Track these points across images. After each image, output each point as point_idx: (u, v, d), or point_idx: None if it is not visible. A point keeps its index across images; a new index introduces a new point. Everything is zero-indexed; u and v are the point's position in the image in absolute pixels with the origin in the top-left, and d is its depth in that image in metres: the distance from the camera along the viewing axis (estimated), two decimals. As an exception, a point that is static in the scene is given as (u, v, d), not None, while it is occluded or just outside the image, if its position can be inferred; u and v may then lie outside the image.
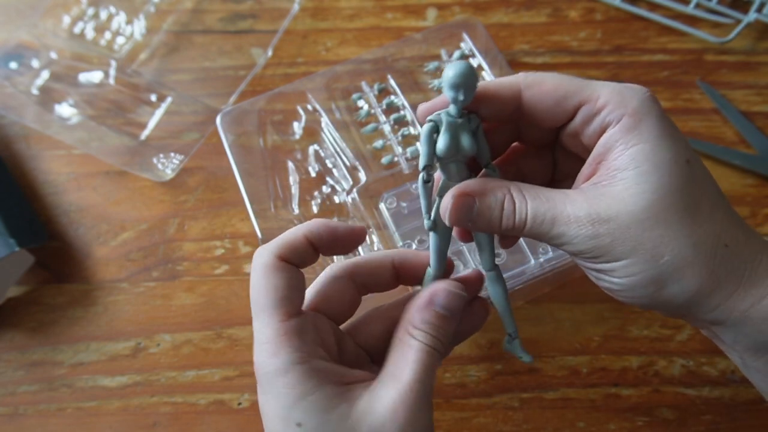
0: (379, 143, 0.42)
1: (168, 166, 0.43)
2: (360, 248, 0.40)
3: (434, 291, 0.27)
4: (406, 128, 0.43)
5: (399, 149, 0.42)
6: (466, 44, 0.45)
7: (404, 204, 0.40)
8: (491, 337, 0.39)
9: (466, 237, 0.29)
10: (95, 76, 0.47)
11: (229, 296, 0.41)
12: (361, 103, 0.44)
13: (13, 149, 0.46)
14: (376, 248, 0.40)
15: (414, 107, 0.43)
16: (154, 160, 0.44)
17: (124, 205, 0.44)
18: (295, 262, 0.28)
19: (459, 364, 0.38)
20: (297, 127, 0.44)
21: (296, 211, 0.41)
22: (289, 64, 0.47)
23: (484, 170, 0.28)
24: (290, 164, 0.42)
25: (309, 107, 0.44)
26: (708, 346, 0.38)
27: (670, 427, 0.36)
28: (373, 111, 0.43)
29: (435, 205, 0.27)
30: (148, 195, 0.44)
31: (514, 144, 0.30)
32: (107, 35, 0.49)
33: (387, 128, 0.42)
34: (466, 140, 0.26)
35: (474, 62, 0.44)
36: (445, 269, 0.29)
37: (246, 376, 0.39)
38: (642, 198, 0.24)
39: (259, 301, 0.26)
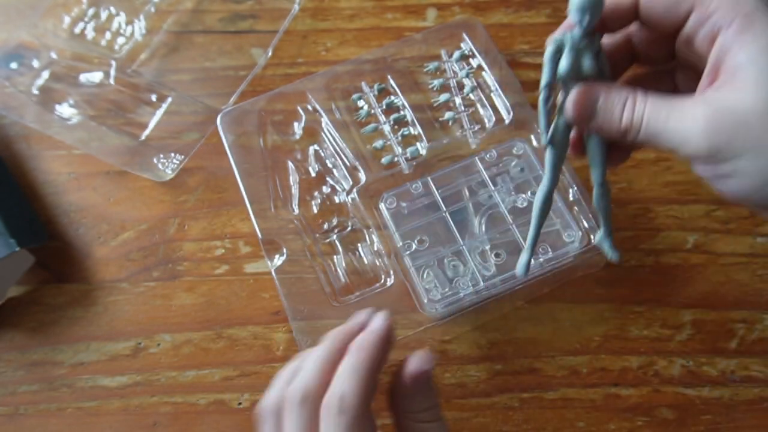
0: (379, 143, 0.42)
1: (168, 166, 0.43)
2: (361, 250, 0.40)
3: (409, 371, 0.29)
4: (406, 128, 0.43)
5: (399, 149, 0.42)
6: (466, 44, 0.45)
7: (404, 204, 0.40)
8: (491, 337, 0.39)
9: (581, 150, 0.30)
10: (95, 76, 0.47)
11: (229, 296, 0.41)
12: (361, 103, 0.44)
13: (14, 149, 0.46)
14: (375, 248, 0.40)
15: (414, 107, 0.43)
16: (155, 160, 0.44)
17: (124, 205, 0.44)
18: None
19: (459, 364, 0.38)
20: (297, 127, 0.44)
21: (296, 211, 0.41)
22: (289, 64, 0.48)
23: None
24: (290, 164, 0.42)
25: (309, 107, 0.44)
26: (708, 346, 0.38)
27: (669, 427, 0.36)
28: (373, 111, 0.43)
29: (553, 123, 0.28)
30: (148, 195, 0.44)
31: (634, 67, 0.30)
32: (107, 35, 0.49)
33: (387, 128, 0.43)
34: (587, 62, 0.27)
35: (474, 62, 0.44)
36: (556, 184, 0.30)
37: (246, 376, 0.39)
38: (762, 91, 0.23)
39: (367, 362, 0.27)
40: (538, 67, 0.46)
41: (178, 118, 0.46)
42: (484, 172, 0.41)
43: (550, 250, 0.38)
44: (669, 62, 0.29)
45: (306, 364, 0.29)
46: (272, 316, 0.40)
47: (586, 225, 0.39)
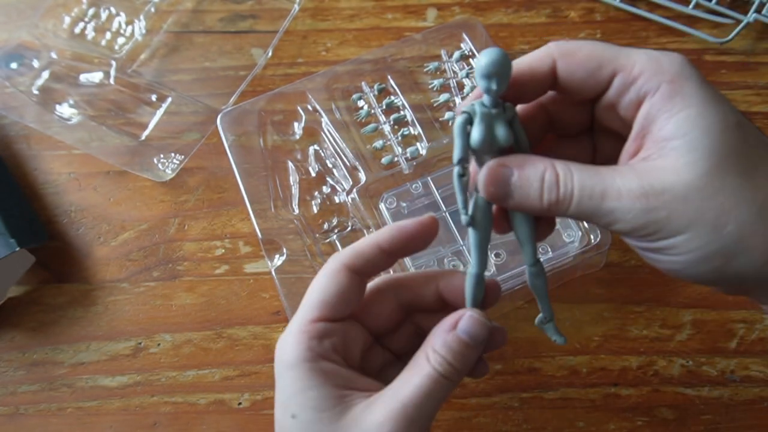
0: (379, 143, 0.42)
1: (168, 166, 0.43)
2: None
3: (459, 315, 0.26)
4: (406, 128, 0.43)
5: (399, 149, 0.42)
6: (466, 44, 0.45)
7: (404, 204, 0.40)
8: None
9: (505, 228, 0.27)
10: (95, 76, 0.47)
11: (229, 296, 0.41)
12: (361, 103, 0.44)
13: (14, 149, 0.46)
14: None
15: (414, 107, 0.43)
16: (155, 160, 0.44)
17: (124, 205, 0.44)
18: (365, 271, 0.28)
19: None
20: (297, 127, 0.44)
21: (296, 211, 0.41)
22: (289, 64, 0.48)
23: None
24: (290, 164, 0.43)
25: (309, 107, 0.44)
26: (708, 345, 0.38)
27: (669, 427, 0.36)
28: (373, 111, 0.43)
29: (472, 200, 0.26)
30: (148, 195, 0.44)
31: (549, 135, 0.29)
32: (107, 35, 0.49)
33: (387, 128, 0.43)
34: (501, 131, 0.25)
35: (474, 63, 0.44)
36: (486, 266, 0.28)
37: (246, 376, 0.39)
38: (697, 166, 0.22)
39: (304, 299, 0.27)
40: (538, 67, 0.47)
41: (178, 118, 0.46)
42: None
43: (550, 250, 0.38)
44: (587, 127, 0.28)
45: None
46: (272, 316, 0.40)
47: (585, 225, 0.39)
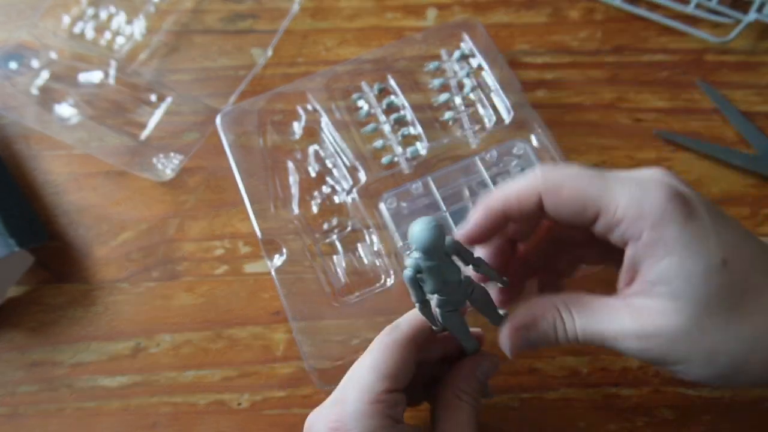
0: (379, 143, 0.42)
1: (168, 166, 0.43)
2: (361, 250, 0.40)
3: (478, 362, 0.31)
4: (406, 128, 0.43)
5: (399, 149, 0.42)
6: (466, 44, 0.45)
7: (404, 204, 0.40)
8: (491, 337, 0.39)
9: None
10: (95, 76, 0.47)
11: (229, 296, 0.41)
12: (361, 103, 0.44)
13: (13, 149, 0.46)
14: (375, 248, 0.40)
15: (414, 107, 0.43)
16: (154, 160, 0.44)
17: (124, 205, 0.44)
18: (422, 345, 0.30)
19: None
20: (297, 127, 0.44)
21: (296, 211, 0.41)
22: (289, 64, 0.48)
23: (472, 268, 0.29)
24: (290, 164, 0.43)
25: (309, 107, 0.44)
26: (708, 346, 0.38)
27: (670, 427, 0.36)
28: (373, 111, 0.43)
29: (438, 316, 0.29)
30: (148, 195, 0.44)
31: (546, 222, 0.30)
32: (107, 35, 0.49)
33: (387, 128, 0.43)
34: (450, 273, 0.27)
35: (474, 62, 0.44)
36: (479, 344, 0.32)
37: (246, 377, 0.39)
38: (683, 312, 0.24)
39: (375, 364, 0.28)
40: (539, 67, 0.47)
41: (178, 118, 0.46)
42: (485, 172, 0.41)
43: None
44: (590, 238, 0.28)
45: None
46: (272, 316, 0.40)
47: None
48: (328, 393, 0.30)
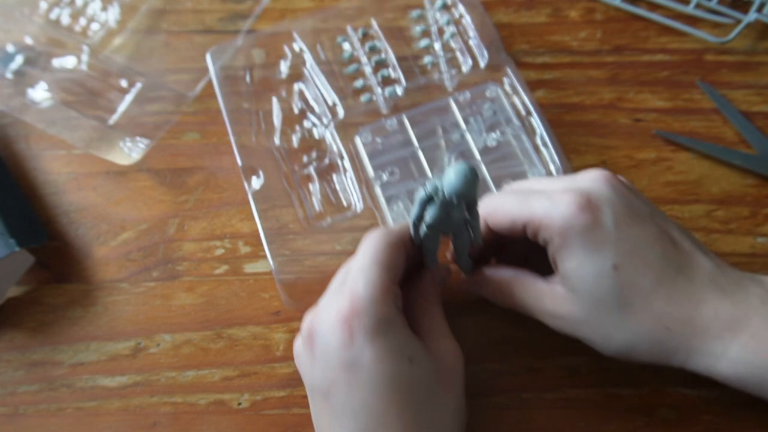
0: (359, 83, 0.45)
1: (133, 150, 0.44)
2: (336, 180, 0.42)
3: (436, 272, 0.35)
4: (386, 70, 0.45)
5: (378, 90, 0.44)
6: None
7: (379, 139, 0.43)
8: (491, 337, 0.39)
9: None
10: (69, 61, 0.48)
11: (229, 296, 0.41)
12: (345, 46, 0.46)
13: (13, 149, 0.46)
14: (348, 177, 0.42)
15: (395, 51, 0.46)
16: (120, 144, 0.44)
17: (124, 205, 0.44)
18: (407, 251, 0.33)
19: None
20: (283, 66, 0.46)
21: (277, 142, 0.43)
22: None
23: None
24: (275, 100, 0.45)
25: (296, 47, 0.46)
26: (708, 346, 0.38)
27: (670, 427, 0.36)
28: (356, 53, 0.46)
29: (421, 233, 0.32)
30: (148, 195, 0.44)
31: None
32: (82, 21, 0.50)
33: (368, 70, 0.45)
34: (456, 215, 0.30)
35: (455, 12, 0.47)
36: (438, 263, 0.36)
37: (246, 376, 0.39)
38: (580, 305, 0.31)
39: (377, 258, 0.31)
40: (539, 67, 0.47)
41: (148, 103, 0.46)
42: (458, 113, 0.43)
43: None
44: None
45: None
46: (272, 316, 0.40)
47: (551, 167, 0.41)
48: (296, 311, 0.33)
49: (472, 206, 0.31)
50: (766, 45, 0.47)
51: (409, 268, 0.34)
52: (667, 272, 0.30)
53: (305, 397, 0.38)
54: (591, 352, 0.38)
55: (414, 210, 0.30)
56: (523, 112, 0.43)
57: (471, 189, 0.27)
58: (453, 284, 0.37)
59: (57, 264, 0.42)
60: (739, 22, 0.46)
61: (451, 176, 0.27)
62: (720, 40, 0.46)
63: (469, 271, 0.37)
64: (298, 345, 0.32)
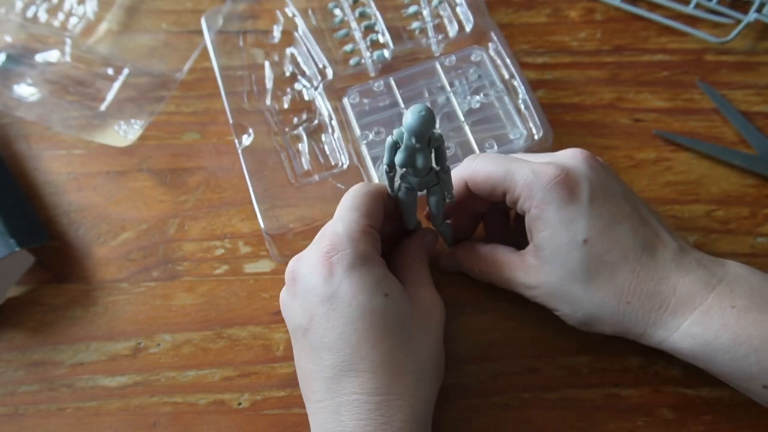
0: (348, 47, 0.46)
1: (129, 132, 0.44)
2: (324, 140, 0.44)
3: (422, 234, 0.37)
4: (375, 35, 0.46)
5: (367, 53, 0.45)
6: None
7: (366, 101, 0.43)
8: (491, 337, 0.39)
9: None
10: (51, 55, 0.48)
11: (229, 296, 0.41)
12: (336, 11, 0.47)
13: (14, 149, 0.46)
14: (336, 137, 0.43)
15: (385, 17, 0.47)
16: (115, 127, 0.45)
17: (124, 205, 0.44)
18: (385, 204, 0.35)
19: (459, 364, 0.38)
20: (276, 31, 0.47)
21: (268, 103, 0.44)
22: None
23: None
24: (267, 64, 0.46)
25: (289, 12, 0.47)
26: (708, 346, 0.38)
27: (670, 427, 0.36)
28: (346, 18, 0.47)
29: (396, 186, 0.34)
30: (148, 195, 0.44)
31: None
32: (60, 16, 0.50)
33: (358, 35, 0.46)
34: (420, 160, 0.30)
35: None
36: (419, 227, 0.38)
37: (246, 376, 0.39)
38: (552, 275, 0.32)
39: (357, 205, 0.33)
40: (539, 67, 0.47)
41: (136, 88, 0.47)
42: (443, 76, 0.44)
43: (495, 145, 0.42)
44: None
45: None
46: (272, 316, 0.40)
47: (532, 128, 0.42)
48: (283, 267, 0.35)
49: (440, 156, 0.31)
50: (766, 45, 0.47)
51: (392, 231, 0.36)
52: (634, 249, 0.31)
53: (305, 397, 0.38)
54: (591, 351, 0.38)
55: (385, 157, 0.31)
56: (506, 76, 0.44)
57: (426, 126, 0.28)
58: (435, 259, 0.39)
59: (57, 264, 0.42)
60: (739, 22, 0.46)
61: (407, 115, 0.28)
62: (720, 40, 0.46)
63: (449, 238, 0.39)
64: (283, 291, 0.34)
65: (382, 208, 0.34)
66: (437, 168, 0.32)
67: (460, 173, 0.34)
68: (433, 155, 0.31)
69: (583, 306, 0.32)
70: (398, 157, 0.30)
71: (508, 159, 0.33)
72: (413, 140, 0.29)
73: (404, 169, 0.32)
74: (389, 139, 0.30)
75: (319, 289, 0.30)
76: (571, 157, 0.33)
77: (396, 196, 0.34)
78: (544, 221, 0.31)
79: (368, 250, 0.31)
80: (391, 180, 0.33)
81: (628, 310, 0.31)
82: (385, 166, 0.32)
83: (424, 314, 0.33)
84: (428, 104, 0.28)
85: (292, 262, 0.33)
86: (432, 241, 0.38)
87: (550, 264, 0.32)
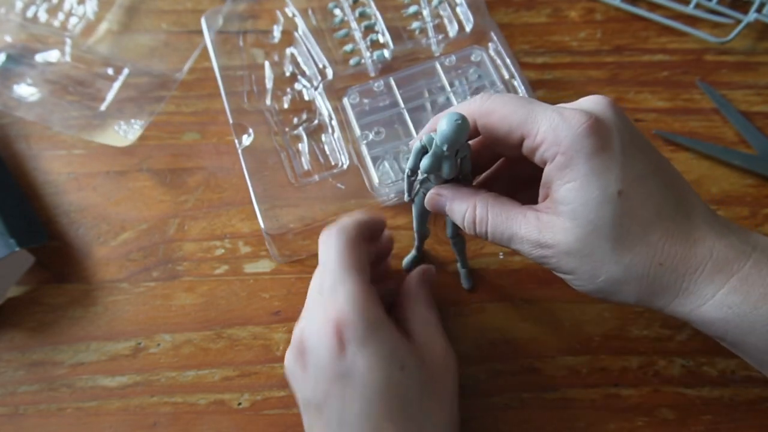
0: (348, 47, 0.46)
1: (129, 131, 0.44)
2: (324, 140, 0.43)
3: (424, 272, 0.36)
4: (375, 35, 0.47)
5: (367, 53, 0.45)
6: None
7: (366, 101, 0.44)
8: (491, 337, 0.39)
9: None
10: (51, 55, 0.48)
11: (229, 296, 0.41)
12: (336, 11, 0.47)
13: (14, 149, 0.46)
14: (336, 137, 0.43)
15: (385, 17, 0.47)
16: (116, 127, 0.45)
17: (124, 205, 0.44)
18: (367, 240, 0.34)
19: (459, 364, 0.38)
20: (276, 31, 0.47)
21: (268, 103, 0.44)
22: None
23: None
24: (267, 64, 0.46)
25: (289, 12, 0.48)
26: (708, 346, 0.38)
27: (670, 427, 0.36)
28: (346, 18, 0.47)
29: (415, 191, 0.33)
30: (148, 195, 0.44)
31: (503, 159, 0.34)
32: (60, 16, 0.50)
33: (358, 35, 0.46)
34: (446, 167, 0.29)
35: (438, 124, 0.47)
36: (428, 235, 0.38)
37: (246, 376, 0.39)
38: (575, 232, 0.27)
39: (347, 263, 0.31)
40: (539, 67, 0.47)
41: (136, 87, 0.47)
42: (443, 76, 0.44)
43: None
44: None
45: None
46: (272, 316, 0.40)
47: None
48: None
49: (464, 165, 0.30)
50: (765, 45, 0.47)
51: (378, 256, 0.36)
52: (667, 206, 0.28)
53: (305, 397, 0.38)
54: (591, 351, 0.38)
55: (410, 161, 0.30)
56: (506, 76, 0.44)
57: (460, 135, 0.27)
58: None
59: (57, 264, 0.42)
60: (739, 22, 0.46)
61: (442, 123, 0.27)
62: (720, 40, 0.46)
63: (460, 251, 0.38)
64: (289, 359, 0.32)
65: (366, 251, 0.33)
66: (460, 177, 0.31)
67: (471, 110, 0.30)
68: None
69: (607, 269, 0.28)
70: (424, 163, 0.29)
71: (528, 100, 0.29)
72: (445, 148, 0.28)
73: (426, 175, 0.31)
74: (417, 144, 0.29)
75: (332, 366, 0.29)
76: (595, 103, 0.29)
77: (412, 200, 0.34)
78: (572, 170, 0.27)
79: (376, 315, 0.30)
80: (410, 184, 0.32)
81: (660, 272, 0.27)
82: (407, 171, 0.31)
83: (440, 373, 0.32)
84: (459, 114, 0.27)
85: (298, 330, 0.32)
86: (433, 273, 0.37)
87: (574, 219, 0.27)
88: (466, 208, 0.30)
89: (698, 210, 0.28)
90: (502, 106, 0.29)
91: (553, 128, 0.27)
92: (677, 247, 0.27)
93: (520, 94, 0.43)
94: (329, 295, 0.30)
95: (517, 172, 0.33)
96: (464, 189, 0.31)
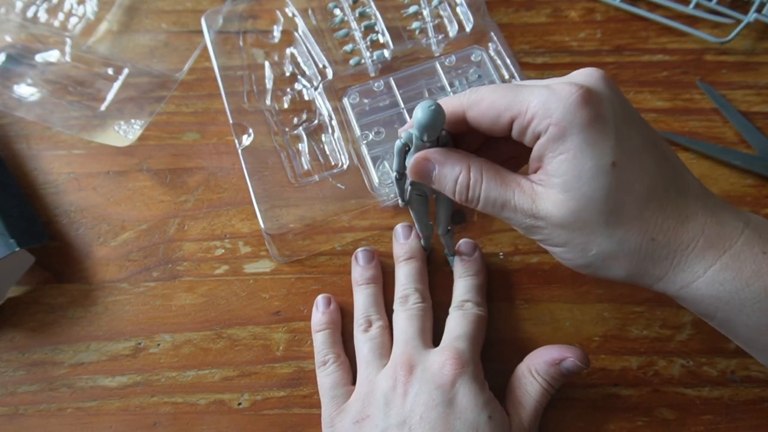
0: (348, 47, 0.46)
1: (129, 132, 0.45)
2: (324, 140, 0.44)
3: (564, 355, 0.34)
4: (375, 35, 0.46)
5: (367, 53, 0.45)
6: None
7: (366, 101, 0.44)
8: (491, 337, 0.39)
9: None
10: (52, 55, 0.48)
11: (229, 296, 0.41)
12: (336, 11, 0.47)
13: (14, 149, 0.46)
14: (336, 137, 0.43)
15: (385, 17, 0.47)
16: (115, 128, 0.45)
17: (124, 205, 0.44)
18: None
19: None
20: (276, 31, 0.47)
21: (268, 103, 0.44)
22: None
23: None
24: (267, 64, 0.46)
25: (288, 12, 0.48)
26: (708, 346, 0.38)
27: (669, 427, 0.36)
28: (346, 18, 0.47)
29: (407, 192, 0.33)
30: (148, 195, 0.44)
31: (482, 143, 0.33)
32: (60, 16, 0.50)
33: (358, 35, 0.46)
34: None
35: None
36: (432, 232, 0.38)
37: (246, 376, 0.39)
38: (567, 205, 0.27)
39: (474, 334, 0.36)
40: (539, 67, 0.47)
41: (136, 87, 0.47)
42: (443, 76, 0.44)
43: None
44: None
45: None
46: (272, 316, 0.40)
47: None
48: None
49: (446, 140, 0.30)
50: (765, 45, 0.47)
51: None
52: (660, 181, 0.28)
53: (305, 397, 0.38)
54: (591, 351, 0.38)
55: (395, 163, 0.30)
56: (506, 76, 0.44)
57: (436, 121, 0.27)
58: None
59: (57, 264, 0.42)
60: (738, 22, 0.46)
61: (417, 111, 0.27)
62: (720, 40, 0.46)
63: (450, 247, 0.39)
64: (388, 374, 0.35)
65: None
66: None
67: (460, 101, 0.30)
68: None
69: (598, 243, 0.27)
70: (410, 159, 0.29)
71: (516, 84, 0.29)
72: (424, 137, 0.28)
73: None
74: (398, 143, 0.29)
75: (442, 390, 0.33)
76: (586, 75, 0.28)
77: (406, 204, 0.34)
78: (564, 143, 0.27)
79: (482, 375, 0.35)
80: (401, 187, 0.32)
81: (652, 247, 0.27)
82: (395, 174, 0.31)
83: None
84: (432, 101, 0.27)
85: (407, 358, 0.35)
86: (574, 367, 0.35)
87: (566, 192, 0.27)
88: (459, 171, 0.29)
89: (691, 186, 0.28)
90: (489, 93, 0.29)
91: (543, 102, 0.27)
92: (670, 222, 0.27)
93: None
94: (452, 343, 0.35)
95: (498, 153, 0.33)
96: (456, 152, 0.30)
